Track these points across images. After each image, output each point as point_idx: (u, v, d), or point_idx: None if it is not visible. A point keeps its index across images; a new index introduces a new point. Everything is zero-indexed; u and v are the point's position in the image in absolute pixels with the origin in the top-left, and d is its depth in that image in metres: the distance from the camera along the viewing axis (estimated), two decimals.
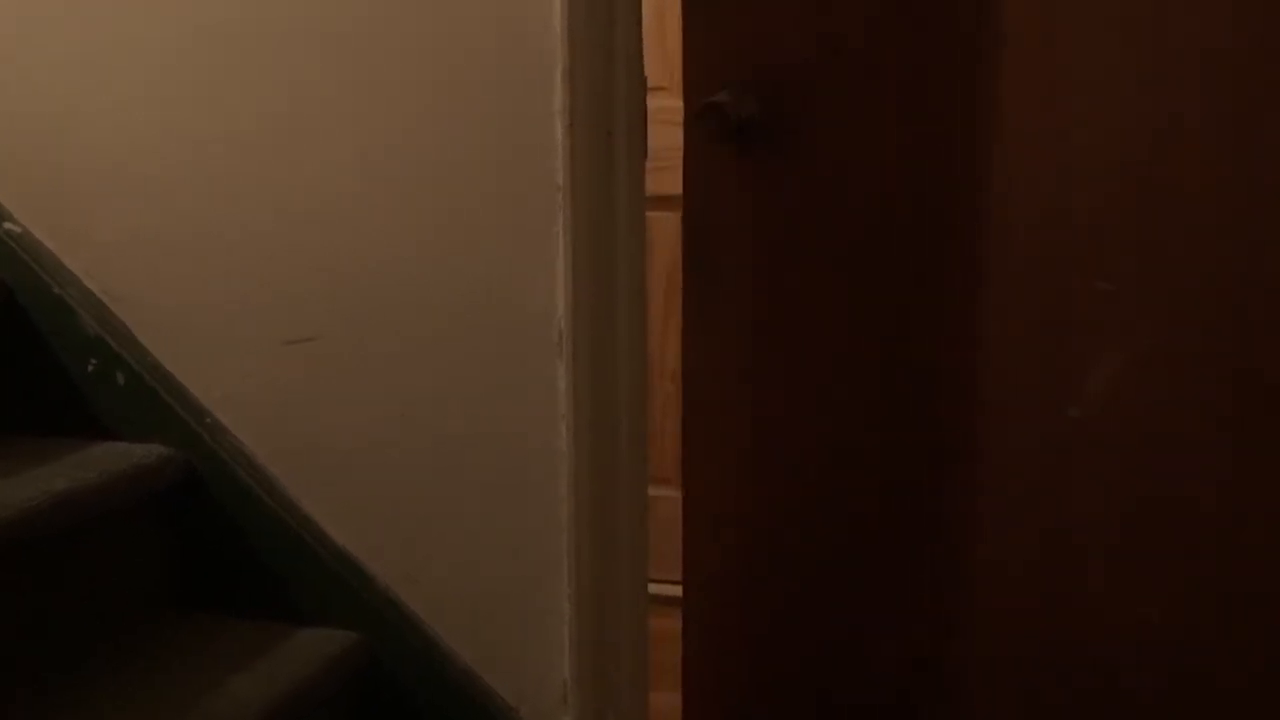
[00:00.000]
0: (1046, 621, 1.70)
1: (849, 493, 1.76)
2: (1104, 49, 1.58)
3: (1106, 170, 1.59)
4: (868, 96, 1.66)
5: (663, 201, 2.89)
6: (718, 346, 1.77)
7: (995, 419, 1.68)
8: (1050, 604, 1.70)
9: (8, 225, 1.71)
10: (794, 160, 1.69)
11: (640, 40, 1.58)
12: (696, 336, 1.78)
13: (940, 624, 1.75)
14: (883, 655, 1.78)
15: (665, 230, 2.95)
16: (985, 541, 1.71)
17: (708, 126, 1.65)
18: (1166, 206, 1.57)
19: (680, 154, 2.66)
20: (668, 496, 3.06)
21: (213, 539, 1.69)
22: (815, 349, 1.74)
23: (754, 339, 1.76)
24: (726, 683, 1.85)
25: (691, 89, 1.71)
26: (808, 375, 1.75)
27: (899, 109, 1.66)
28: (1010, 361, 1.66)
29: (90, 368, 1.70)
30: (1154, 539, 1.64)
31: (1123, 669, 1.67)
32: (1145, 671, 1.66)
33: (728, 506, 1.82)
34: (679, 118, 2.88)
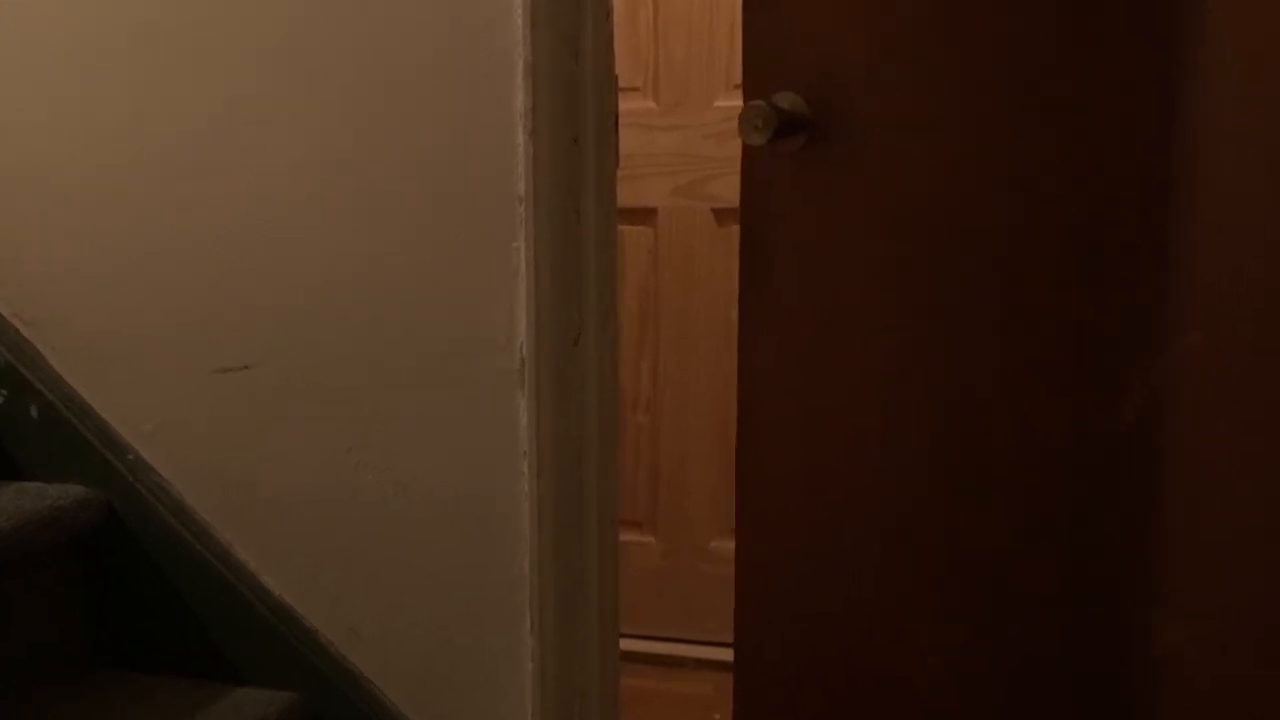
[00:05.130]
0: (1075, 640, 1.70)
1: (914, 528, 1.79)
2: None
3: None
4: (923, 99, 1.71)
5: (635, 214, 2.88)
6: (771, 345, 1.83)
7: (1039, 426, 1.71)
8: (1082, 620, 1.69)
9: None
10: (844, 162, 1.74)
11: (611, 36, 1.56)
12: (752, 334, 1.84)
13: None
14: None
15: (638, 246, 2.93)
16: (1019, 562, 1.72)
17: (750, 128, 1.71)
18: None
19: (655, 161, 2.63)
20: (641, 542, 3.05)
21: (136, 589, 1.66)
22: (861, 345, 1.79)
23: (806, 336, 1.82)
24: None
25: (751, 90, 1.76)
26: (855, 373, 1.79)
27: (953, 112, 1.71)
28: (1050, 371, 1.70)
29: None
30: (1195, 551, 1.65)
31: None
32: None
33: (786, 550, 1.84)
34: (653, 121, 2.87)
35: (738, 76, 2.83)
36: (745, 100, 1.74)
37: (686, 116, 2.86)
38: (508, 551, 1.53)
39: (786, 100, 1.72)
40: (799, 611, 1.84)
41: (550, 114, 1.47)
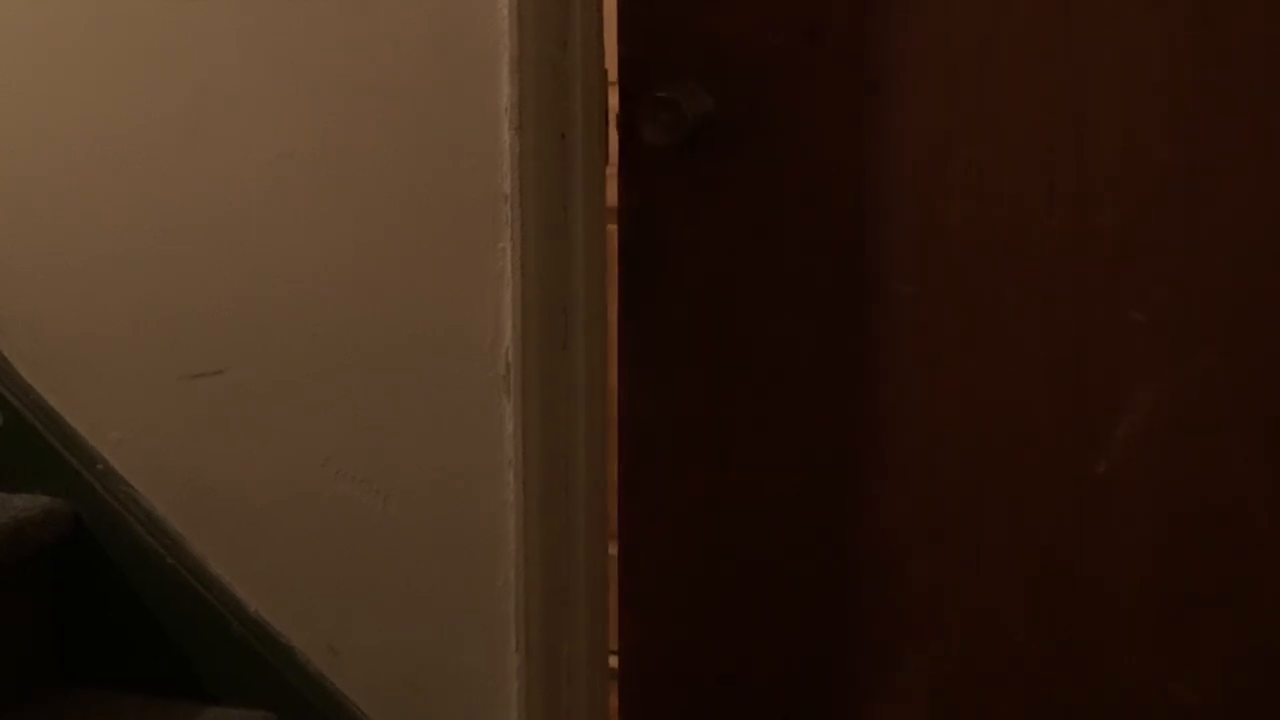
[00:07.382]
0: (1069, 704, 1.65)
1: (822, 556, 1.71)
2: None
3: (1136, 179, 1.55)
4: (848, 91, 1.61)
5: None
6: (664, 385, 1.72)
7: (1006, 476, 1.63)
8: (1072, 683, 1.65)
9: None
10: (758, 166, 1.64)
11: (600, 27, 1.55)
12: (637, 374, 1.73)
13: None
14: None
15: None
16: (991, 619, 1.66)
17: (653, 126, 1.59)
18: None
19: None
20: None
21: (105, 604, 1.66)
22: (782, 386, 1.68)
23: (707, 376, 1.71)
24: None
25: (631, 80, 1.64)
26: (772, 418, 1.69)
27: (886, 106, 1.61)
28: (1022, 406, 1.61)
29: None
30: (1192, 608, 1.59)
31: None
32: None
33: (674, 569, 1.77)
34: None
35: None
36: (625, 90, 1.64)
37: None
38: (493, 564, 1.52)
39: (682, 90, 1.60)
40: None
41: (537, 109, 1.46)
